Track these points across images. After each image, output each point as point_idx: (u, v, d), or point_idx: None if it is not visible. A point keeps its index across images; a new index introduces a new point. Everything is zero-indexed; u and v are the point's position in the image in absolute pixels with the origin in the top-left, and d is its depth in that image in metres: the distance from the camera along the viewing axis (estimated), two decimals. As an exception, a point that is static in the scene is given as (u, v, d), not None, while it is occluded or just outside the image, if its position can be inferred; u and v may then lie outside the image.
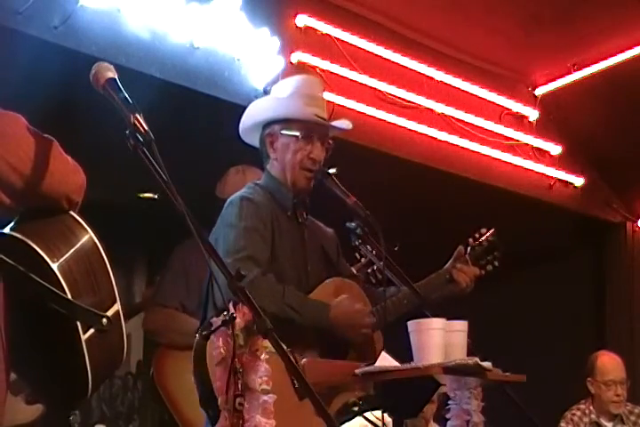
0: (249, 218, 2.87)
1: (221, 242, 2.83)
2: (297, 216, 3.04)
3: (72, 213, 1.98)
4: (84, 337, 1.81)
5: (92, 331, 1.83)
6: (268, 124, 3.04)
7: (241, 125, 3.11)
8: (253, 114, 3.08)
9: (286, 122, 3.00)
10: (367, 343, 2.91)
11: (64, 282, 1.80)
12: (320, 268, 3.03)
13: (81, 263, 1.88)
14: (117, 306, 1.91)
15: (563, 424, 4.82)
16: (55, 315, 1.79)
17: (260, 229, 2.87)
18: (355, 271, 3.27)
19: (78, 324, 1.81)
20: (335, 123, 3.09)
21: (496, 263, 3.21)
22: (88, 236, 1.94)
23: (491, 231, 3.24)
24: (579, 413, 4.84)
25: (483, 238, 3.22)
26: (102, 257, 1.93)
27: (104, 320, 1.85)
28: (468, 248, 3.19)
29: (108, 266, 1.93)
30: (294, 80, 3.12)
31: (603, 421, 4.80)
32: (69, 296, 1.80)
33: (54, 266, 1.81)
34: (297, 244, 3.00)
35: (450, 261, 3.15)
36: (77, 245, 1.90)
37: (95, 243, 1.94)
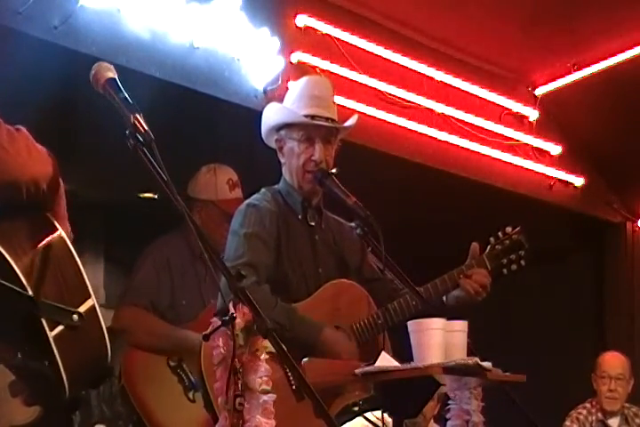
0: (251, 225, 2.90)
1: (226, 249, 2.88)
2: (307, 219, 3.04)
3: (47, 214, 1.95)
4: (51, 334, 1.79)
5: (61, 327, 1.81)
6: (277, 130, 3.06)
7: (262, 132, 3.13)
8: (264, 120, 3.11)
9: (289, 126, 3.02)
10: (370, 347, 2.90)
11: (24, 279, 1.79)
12: (333, 270, 3.03)
13: (47, 261, 1.86)
14: (92, 301, 1.88)
15: (568, 423, 4.83)
16: (23, 313, 1.78)
17: (261, 234, 2.88)
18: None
19: (43, 320, 1.79)
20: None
21: (522, 263, 3.06)
22: (56, 233, 1.91)
23: (516, 230, 3.09)
24: (584, 412, 4.85)
25: (505, 237, 3.07)
26: (71, 253, 1.91)
27: (74, 316, 1.83)
28: (488, 247, 3.06)
29: (79, 262, 1.91)
30: (299, 82, 3.14)
31: (608, 420, 4.81)
32: (30, 293, 1.78)
33: (15, 264, 1.79)
34: (307, 247, 3.01)
35: (467, 261, 3.03)
36: (44, 243, 1.88)
37: (64, 240, 1.91)
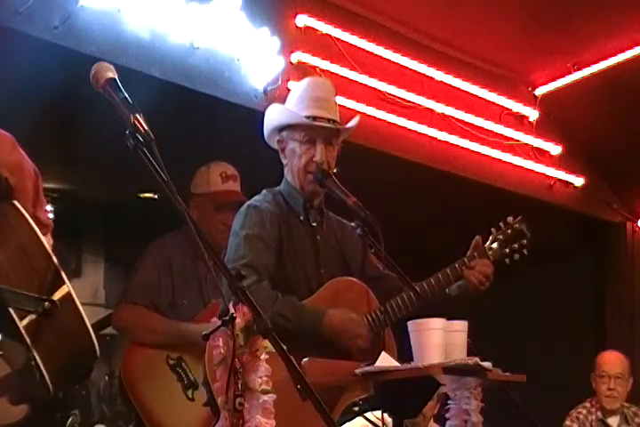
0: (252, 226, 2.90)
1: (227, 250, 2.89)
2: (309, 220, 3.05)
3: (15, 202, 1.91)
4: (22, 323, 1.75)
5: (32, 316, 1.77)
6: (279, 130, 3.06)
7: (264, 133, 3.13)
8: (266, 122, 3.11)
9: (291, 127, 3.02)
10: (374, 344, 2.90)
11: None
12: (335, 270, 3.03)
13: (12, 251, 1.82)
14: (67, 288, 1.84)
15: (568, 423, 4.83)
16: None
17: (262, 236, 2.89)
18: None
19: (11, 310, 1.74)
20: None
21: (524, 252, 3.05)
22: (24, 224, 1.87)
23: (517, 219, 3.09)
24: (584, 411, 4.85)
25: (507, 226, 3.07)
26: (40, 242, 1.87)
27: (46, 304, 1.78)
28: (490, 237, 3.06)
29: (49, 250, 1.86)
30: (301, 84, 3.14)
31: (608, 419, 4.81)
32: None
33: None
34: (309, 247, 3.02)
35: (468, 252, 3.02)
36: (9, 235, 1.84)
37: (32, 229, 1.87)
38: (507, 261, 3.06)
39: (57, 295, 1.82)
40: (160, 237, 3.91)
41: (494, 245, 3.05)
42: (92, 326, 4.37)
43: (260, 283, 2.77)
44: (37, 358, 1.75)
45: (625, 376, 4.85)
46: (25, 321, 1.76)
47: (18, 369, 1.78)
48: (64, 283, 1.85)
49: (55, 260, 1.87)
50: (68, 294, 1.84)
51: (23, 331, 1.75)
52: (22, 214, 1.89)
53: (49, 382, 1.77)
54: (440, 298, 2.98)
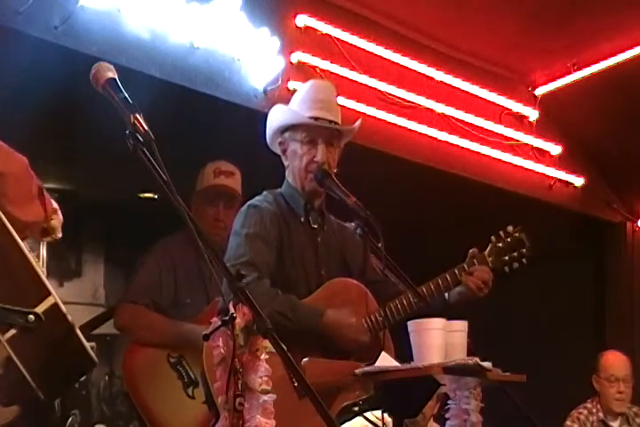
0: (252, 225, 2.92)
1: (228, 249, 2.90)
2: (310, 221, 3.05)
3: None
4: (4, 337, 1.72)
5: (14, 330, 1.73)
6: (281, 132, 3.07)
7: (267, 136, 3.14)
8: (269, 124, 3.13)
9: (293, 128, 3.03)
10: (373, 345, 2.90)
11: None
12: (336, 271, 3.04)
13: None
14: (53, 299, 1.80)
15: (569, 423, 4.82)
16: None
17: (262, 235, 2.90)
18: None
19: None
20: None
21: (523, 261, 3.08)
22: (3, 232, 1.82)
23: (517, 228, 3.12)
24: (585, 411, 4.84)
25: (507, 235, 3.10)
26: (21, 251, 1.82)
27: (30, 317, 1.75)
28: (489, 245, 3.08)
29: (31, 259, 1.82)
30: (304, 86, 3.16)
31: (609, 420, 4.80)
32: None
33: None
34: (309, 249, 3.02)
35: (467, 259, 3.04)
36: None
37: (12, 237, 1.82)
38: (506, 269, 3.09)
39: (42, 307, 1.78)
40: (162, 239, 3.92)
41: (493, 253, 3.06)
42: (90, 322, 4.38)
43: (261, 280, 2.77)
44: (23, 370, 1.72)
45: (630, 378, 4.85)
46: (8, 334, 1.73)
47: (4, 373, 1.75)
48: (49, 294, 1.81)
49: (39, 270, 1.81)
50: (55, 306, 1.80)
51: (6, 344, 1.72)
52: (1, 220, 1.84)
53: (39, 392, 1.74)
54: (440, 305, 2.98)
